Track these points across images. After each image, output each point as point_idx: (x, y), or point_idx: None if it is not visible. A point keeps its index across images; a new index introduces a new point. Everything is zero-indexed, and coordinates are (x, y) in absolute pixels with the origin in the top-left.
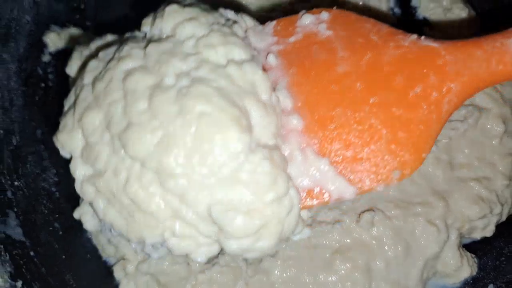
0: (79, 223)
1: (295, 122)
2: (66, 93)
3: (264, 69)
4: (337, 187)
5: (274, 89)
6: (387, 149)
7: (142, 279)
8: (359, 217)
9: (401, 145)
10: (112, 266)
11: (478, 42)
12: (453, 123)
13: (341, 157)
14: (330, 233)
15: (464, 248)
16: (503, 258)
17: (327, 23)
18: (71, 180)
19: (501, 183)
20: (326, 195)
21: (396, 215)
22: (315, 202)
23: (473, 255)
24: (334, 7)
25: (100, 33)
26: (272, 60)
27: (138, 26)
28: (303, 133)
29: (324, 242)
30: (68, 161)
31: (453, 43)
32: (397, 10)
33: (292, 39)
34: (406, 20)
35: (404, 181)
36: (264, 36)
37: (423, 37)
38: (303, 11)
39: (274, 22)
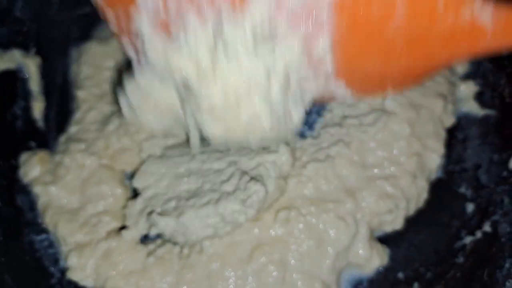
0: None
1: (329, 67)
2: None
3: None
4: (344, 94)
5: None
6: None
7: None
8: (276, 215)
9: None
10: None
11: None
12: (364, 127)
13: (355, 80)
14: (251, 230)
15: (376, 240)
16: (413, 248)
17: None
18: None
19: (406, 180)
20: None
21: (310, 212)
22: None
23: (385, 246)
24: None
25: (43, 53)
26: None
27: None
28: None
29: (245, 238)
30: None
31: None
32: None
33: None
34: None
35: (320, 181)
36: None
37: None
38: None
39: None
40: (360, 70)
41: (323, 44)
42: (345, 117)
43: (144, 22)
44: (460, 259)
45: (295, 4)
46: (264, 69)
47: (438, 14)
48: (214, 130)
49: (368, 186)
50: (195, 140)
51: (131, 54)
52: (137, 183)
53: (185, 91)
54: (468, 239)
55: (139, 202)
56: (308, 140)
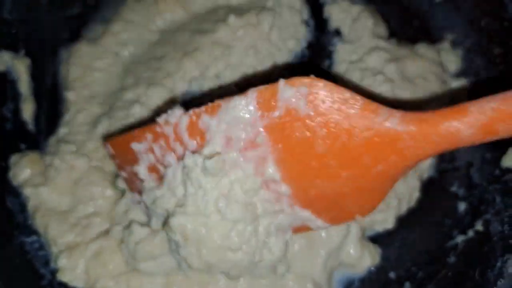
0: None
1: (284, 189)
2: None
3: (253, 146)
4: (318, 224)
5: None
6: (354, 203)
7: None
8: None
9: (364, 201)
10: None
11: (436, 125)
12: None
13: (318, 209)
14: None
15: (368, 240)
16: (405, 248)
17: (306, 98)
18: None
19: None
20: (309, 228)
21: None
22: (302, 231)
23: (376, 246)
24: (311, 75)
25: (32, 54)
26: (260, 139)
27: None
28: (291, 197)
29: None
30: None
31: (417, 124)
32: (310, 22)
33: (276, 114)
34: (320, 31)
35: None
36: (249, 109)
37: (390, 118)
38: (282, 81)
39: (255, 94)
40: (312, 192)
41: (270, 166)
42: None
43: (142, 170)
44: (452, 259)
45: (239, 138)
46: (222, 195)
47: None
48: (193, 260)
49: None
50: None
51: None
52: (121, 183)
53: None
54: (460, 238)
55: (123, 203)
56: None
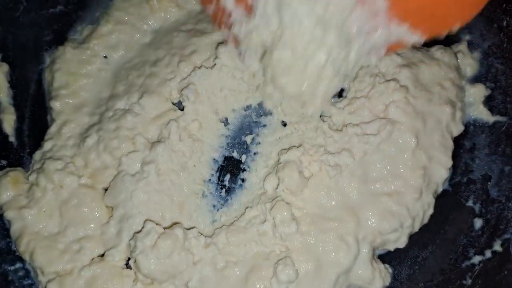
0: None
1: (380, 2)
2: None
3: None
4: (413, 38)
5: None
6: (456, 4)
7: None
8: None
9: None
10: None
11: None
12: (367, 137)
13: (417, 20)
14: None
15: (378, 259)
16: (417, 267)
17: None
18: None
19: (412, 197)
20: (403, 45)
21: (309, 232)
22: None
23: (387, 266)
24: None
25: (11, 59)
26: None
27: None
28: (388, 10)
29: (241, 259)
30: None
31: None
32: None
33: None
34: None
35: (322, 196)
36: None
37: None
38: None
39: None
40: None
41: None
42: (346, 125)
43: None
44: (468, 281)
45: None
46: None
47: None
48: (283, 81)
49: (371, 203)
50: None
51: (225, 34)
52: (108, 201)
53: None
54: (476, 259)
55: (112, 225)
56: None
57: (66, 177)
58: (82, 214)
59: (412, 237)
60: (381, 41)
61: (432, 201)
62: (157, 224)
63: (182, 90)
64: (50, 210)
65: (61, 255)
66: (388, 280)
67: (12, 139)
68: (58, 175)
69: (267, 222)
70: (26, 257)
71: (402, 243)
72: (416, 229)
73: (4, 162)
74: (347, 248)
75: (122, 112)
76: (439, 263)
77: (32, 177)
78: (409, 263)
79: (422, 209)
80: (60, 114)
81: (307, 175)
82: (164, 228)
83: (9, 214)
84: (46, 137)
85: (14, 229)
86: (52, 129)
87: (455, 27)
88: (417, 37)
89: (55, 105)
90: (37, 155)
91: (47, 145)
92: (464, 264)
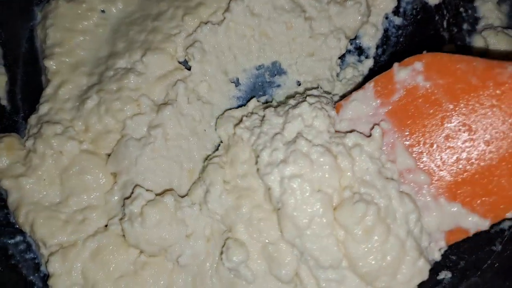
0: None
1: (423, 178)
2: None
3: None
4: (472, 221)
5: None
6: (509, 181)
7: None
8: None
9: None
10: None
11: None
12: None
13: (469, 197)
14: None
15: None
16: None
17: (423, 74)
18: None
19: None
20: (464, 232)
21: None
22: (457, 238)
23: None
24: (424, 52)
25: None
26: (384, 125)
27: None
28: (431, 185)
29: None
30: None
31: None
32: None
33: (395, 97)
34: None
35: None
36: (368, 100)
37: None
38: (395, 64)
39: (372, 83)
40: (456, 174)
41: (400, 153)
42: None
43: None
44: (498, 247)
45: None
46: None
47: None
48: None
49: None
50: None
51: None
52: (111, 167)
53: None
54: (506, 224)
55: (115, 192)
56: None
57: (66, 142)
58: (85, 182)
59: None
60: (433, 224)
61: None
62: (153, 192)
63: (187, 48)
64: (50, 178)
65: (64, 226)
66: None
67: (4, 102)
68: (57, 140)
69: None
70: (26, 229)
71: None
72: None
73: None
74: None
75: (124, 71)
76: None
77: (28, 143)
78: None
79: None
80: (55, 74)
81: None
82: (157, 195)
83: (5, 183)
84: (42, 99)
85: (12, 200)
86: (48, 90)
87: None
88: (478, 219)
89: (50, 64)
90: (33, 119)
91: (43, 108)
92: (493, 230)
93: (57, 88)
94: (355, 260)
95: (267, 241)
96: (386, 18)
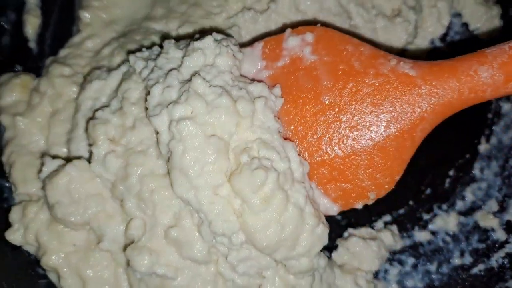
0: None
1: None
2: None
3: None
4: (323, 204)
5: None
6: (366, 173)
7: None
8: None
9: (377, 169)
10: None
11: (453, 69)
12: None
13: (325, 180)
14: None
15: None
16: None
17: (312, 46)
18: None
19: None
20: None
21: None
22: None
23: None
24: (318, 25)
25: None
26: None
27: None
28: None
29: None
30: None
31: (429, 68)
32: None
33: (280, 64)
34: None
35: None
36: (254, 60)
37: (401, 62)
38: (288, 30)
39: (262, 44)
40: (319, 156)
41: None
42: None
43: None
44: None
45: None
46: None
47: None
48: None
49: None
50: None
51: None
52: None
53: None
54: None
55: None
56: None
57: (69, 86)
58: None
59: None
60: None
61: None
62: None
63: (225, 30)
64: (42, 121)
65: (38, 178)
66: None
67: (32, 45)
68: (61, 81)
69: None
70: (6, 168)
71: None
72: None
73: (19, 68)
74: None
75: (153, 31)
76: None
77: (34, 82)
78: None
79: None
80: (87, 26)
81: None
82: None
83: (3, 119)
84: (66, 45)
85: (5, 137)
86: (75, 39)
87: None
88: (329, 203)
89: (84, 15)
90: (49, 60)
91: (62, 52)
92: None
93: (84, 39)
94: (253, 235)
95: (165, 222)
96: (432, 43)
